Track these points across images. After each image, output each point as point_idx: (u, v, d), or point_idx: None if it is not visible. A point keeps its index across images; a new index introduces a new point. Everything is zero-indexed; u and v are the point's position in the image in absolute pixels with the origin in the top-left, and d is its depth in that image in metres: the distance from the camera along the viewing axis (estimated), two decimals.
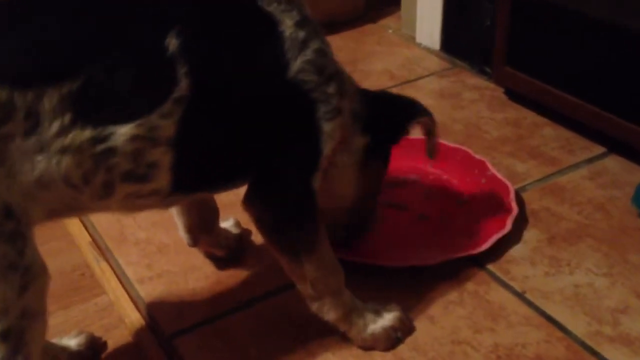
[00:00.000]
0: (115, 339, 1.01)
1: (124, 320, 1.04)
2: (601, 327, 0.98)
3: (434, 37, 1.76)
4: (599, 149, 1.35)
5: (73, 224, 1.22)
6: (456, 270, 1.07)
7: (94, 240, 1.19)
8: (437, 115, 1.14)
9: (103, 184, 0.75)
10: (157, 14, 0.75)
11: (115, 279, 1.10)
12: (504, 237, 1.11)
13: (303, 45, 0.82)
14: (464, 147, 1.29)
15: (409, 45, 1.81)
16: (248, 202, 0.88)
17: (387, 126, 0.96)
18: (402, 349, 0.95)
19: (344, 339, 0.95)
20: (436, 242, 1.12)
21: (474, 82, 1.62)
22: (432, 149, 1.01)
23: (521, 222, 1.17)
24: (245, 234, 1.15)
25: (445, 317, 1.00)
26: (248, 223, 1.17)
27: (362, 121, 0.93)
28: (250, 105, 0.81)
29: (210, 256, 1.11)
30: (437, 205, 1.21)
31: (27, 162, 0.70)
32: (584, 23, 1.31)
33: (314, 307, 0.92)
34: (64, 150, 0.70)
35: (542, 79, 1.41)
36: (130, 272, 1.10)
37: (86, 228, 1.21)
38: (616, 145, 1.33)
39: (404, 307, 0.98)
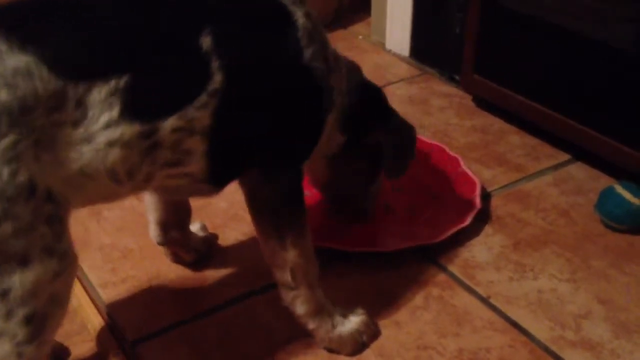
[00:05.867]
0: (78, 345, 0.99)
1: (86, 326, 1.03)
2: (564, 332, 0.99)
3: (403, 44, 1.77)
4: (564, 156, 1.37)
5: None
6: (422, 275, 1.08)
7: None
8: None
9: (145, 176, 0.78)
10: (189, 15, 0.79)
11: (79, 284, 1.08)
12: (470, 241, 1.13)
13: (312, 34, 0.86)
14: (438, 143, 1.32)
15: (379, 52, 1.82)
16: (247, 180, 0.89)
17: (363, 133, 1.00)
18: (367, 354, 0.95)
19: (310, 345, 0.95)
20: (397, 232, 1.16)
21: (443, 89, 1.63)
22: (387, 167, 1.05)
23: (486, 228, 1.18)
24: (212, 238, 1.15)
25: (411, 322, 1.00)
26: (214, 228, 1.17)
27: (343, 120, 0.96)
28: (274, 92, 0.85)
29: (176, 261, 1.10)
30: (405, 197, 1.23)
31: (74, 152, 0.72)
32: (551, 33, 1.33)
33: (288, 297, 0.92)
34: (111, 144, 0.73)
35: (510, 87, 1.42)
36: (93, 277, 1.08)
37: None
38: (581, 153, 1.35)
39: (370, 311, 0.98)
